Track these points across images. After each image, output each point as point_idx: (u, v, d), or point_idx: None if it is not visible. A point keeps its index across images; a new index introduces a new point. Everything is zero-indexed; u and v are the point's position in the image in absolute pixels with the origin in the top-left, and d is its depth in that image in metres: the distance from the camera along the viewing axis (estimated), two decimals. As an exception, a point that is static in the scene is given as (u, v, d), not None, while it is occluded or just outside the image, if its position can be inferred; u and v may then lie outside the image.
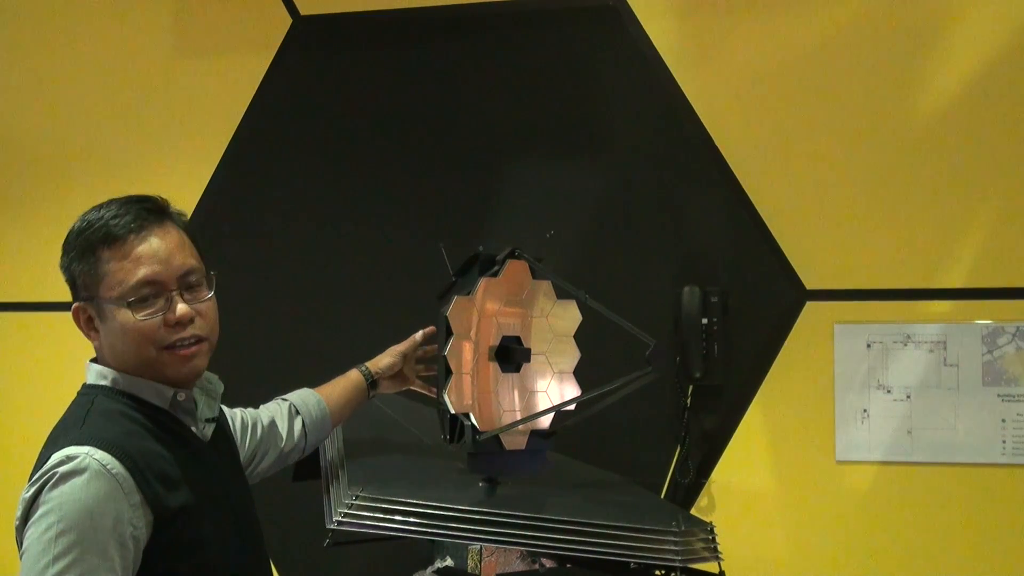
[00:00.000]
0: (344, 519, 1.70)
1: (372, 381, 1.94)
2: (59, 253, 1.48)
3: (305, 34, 2.78)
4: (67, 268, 1.46)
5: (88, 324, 1.45)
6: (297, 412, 1.83)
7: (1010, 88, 2.35)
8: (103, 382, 1.45)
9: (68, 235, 1.45)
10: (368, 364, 1.95)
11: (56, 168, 2.96)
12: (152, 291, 1.42)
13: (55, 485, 1.29)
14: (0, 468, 2.96)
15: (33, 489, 1.32)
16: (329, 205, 2.75)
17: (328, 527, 1.72)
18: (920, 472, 2.38)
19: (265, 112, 2.80)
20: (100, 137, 2.93)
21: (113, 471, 1.31)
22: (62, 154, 2.96)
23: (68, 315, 1.47)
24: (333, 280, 2.74)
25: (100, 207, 1.46)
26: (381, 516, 1.70)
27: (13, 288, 2.99)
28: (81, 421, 1.38)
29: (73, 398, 1.48)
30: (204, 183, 2.83)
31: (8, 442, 2.96)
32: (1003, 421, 2.34)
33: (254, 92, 2.80)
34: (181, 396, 1.46)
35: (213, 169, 2.83)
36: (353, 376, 1.93)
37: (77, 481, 1.29)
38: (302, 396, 1.88)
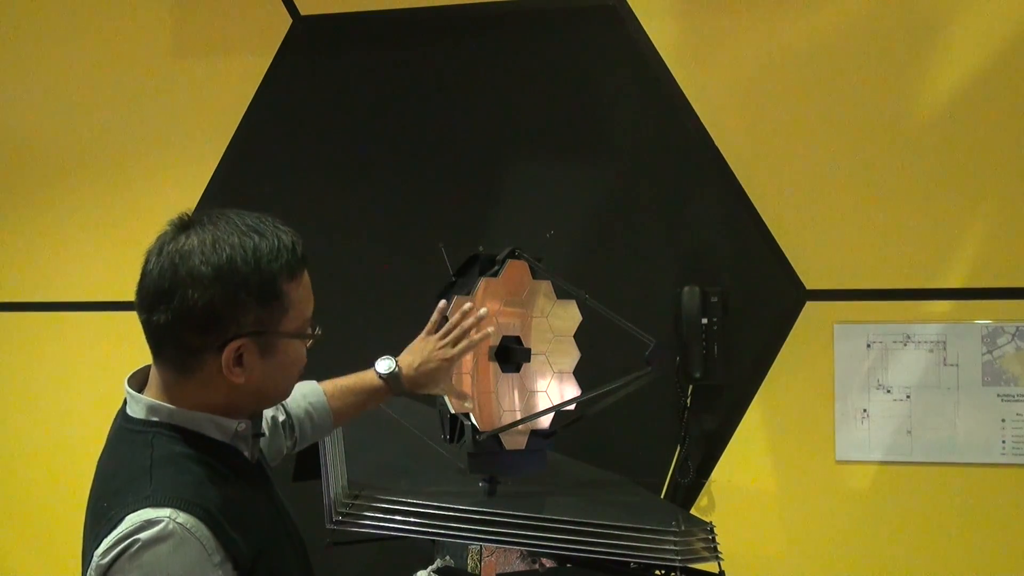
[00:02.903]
0: (344, 519, 1.70)
1: (395, 378, 1.75)
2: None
3: (305, 34, 2.78)
4: (226, 303, 1.27)
5: (237, 361, 1.30)
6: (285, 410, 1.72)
7: (1010, 88, 2.35)
8: (155, 418, 1.33)
9: (222, 266, 1.27)
10: (399, 359, 1.78)
11: (56, 168, 2.96)
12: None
13: (137, 554, 1.20)
14: (0, 468, 2.98)
15: (110, 556, 1.21)
16: (329, 205, 2.75)
17: (328, 527, 1.72)
18: (920, 472, 2.38)
19: (265, 112, 2.80)
20: (100, 137, 2.93)
21: (197, 534, 1.23)
22: (62, 154, 2.96)
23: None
24: (333, 280, 2.73)
25: (241, 230, 1.30)
26: (381, 516, 1.70)
27: (13, 288, 2.99)
28: (147, 473, 1.28)
29: (113, 428, 1.37)
30: (204, 183, 2.82)
31: (8, 442, 2.96)
32: (1003, 421, 2.34)
33: (254, 92, 2.80)
34: (242, 427, 1.36)
35: (213, 169, 2.83)
36: (367, 375, 1.77)
37: (161, 549, 1.21)
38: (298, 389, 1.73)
